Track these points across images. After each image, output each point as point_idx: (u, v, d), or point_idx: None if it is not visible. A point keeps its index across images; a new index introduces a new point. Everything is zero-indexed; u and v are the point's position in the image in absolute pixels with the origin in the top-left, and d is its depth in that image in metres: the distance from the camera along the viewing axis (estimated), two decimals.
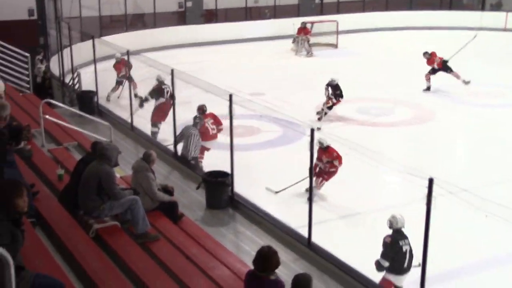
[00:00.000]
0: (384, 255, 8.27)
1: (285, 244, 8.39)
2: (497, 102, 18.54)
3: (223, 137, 12.35)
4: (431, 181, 6.53)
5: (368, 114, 17.30)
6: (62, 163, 9.38)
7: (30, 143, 10.05)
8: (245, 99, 11.67)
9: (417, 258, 8.32)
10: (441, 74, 19.80)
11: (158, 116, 14.19)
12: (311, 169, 8.61)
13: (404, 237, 8.32)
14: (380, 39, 28.32)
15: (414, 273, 6.88)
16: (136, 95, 15.85)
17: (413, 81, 20.26)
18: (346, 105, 17.37)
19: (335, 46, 26.96)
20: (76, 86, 16.50)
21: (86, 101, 14.52)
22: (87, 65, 17.69)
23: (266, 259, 5.64)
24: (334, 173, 11.74)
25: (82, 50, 17.66)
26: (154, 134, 13.93)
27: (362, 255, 9.43)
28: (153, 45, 24.34)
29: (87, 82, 16.44)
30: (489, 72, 21.98)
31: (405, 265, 8.27)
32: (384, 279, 8.39)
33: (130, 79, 15.39)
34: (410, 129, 16.28)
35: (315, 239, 8.31)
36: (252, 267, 5.81)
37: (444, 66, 19.66)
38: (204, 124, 12.28)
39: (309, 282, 5.42)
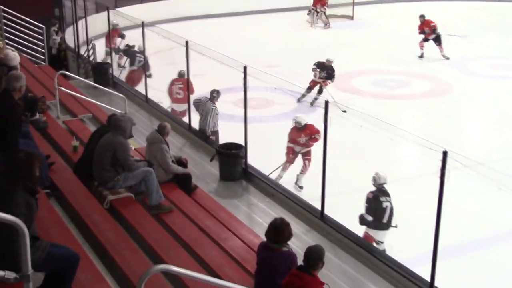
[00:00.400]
0: (367, 210, 8.78)
1: (297, 216, 8.41)
2: None
3: (237, 109, 12.36)
4: (445, 154, 6.49)
5: (384, 87, 17.20)
6: (77, 135, 9.43)
7: (45, 114, 10.09)
8: (259, 71, 11.61)
9: (396, 220, 8.96)
10: (462, 46, 19.71)
11: (127, 82, 15.40)
12: (325, 141, 8.54)
13: (386, 194, 8.86)
14: (397, 11, 27.98)
15: (427, 245, 6.88)
16: (119, 65, 16.88)
17: (430, 53, 20.07)
18: (362, 77, 17.28)
19: (351, 17, 26.67)
20: (91, 58, 16.51)
21: (101, 73, 14.54)
22: (102, 36, 17.69)
23: (278, 231, 5.66)
24: (310, 151, 11.57)
25: (97, 22, 17.62)
26: None
27: None
28: (169, 16, 24.23)
29: (102, 54, 16.45)
30: (508, 44, 21.69)
31: (385, 220, 8.80)
32: (365, 234, 8.86)
33: (118, 50, 15.53)
34: (427, 101, 16.17)
35: (327, 211, 8.32)
36: (264, 239, 5.84)
37: (436, 37, 20.05)
38: (171, 86, 13.52)
39: (322, 254, 5.43)
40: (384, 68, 18.95)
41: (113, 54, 17.11)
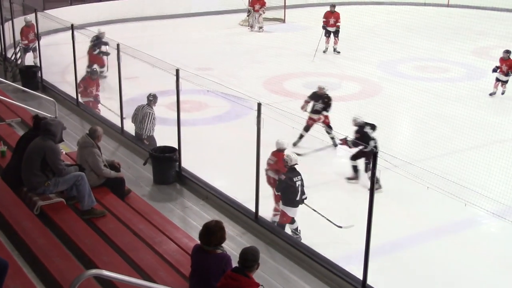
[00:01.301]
0: (277, 188, 9.47)
1: (232, 219, 8.44)
2: (441, 77, 18.92)
3: (170, 112, 12.29)
4: (375, 154, 6.65)
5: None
6: (5, 140, 9.20)
7: None
8: (192, 74, 11.59)
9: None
10: (390, 48, 20.23)
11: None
12: (258, 143, 8.60)
13: (297, 174, 9.40)
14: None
15: (358, 246, 7.03)
16: (35, 64, 16.29)
17: (361, 55, 20.48)
18: (293, 80, 17.44)
19: (282, 20, 26.94)
20: (19, 61, 16.10)
21: (30, 76, 14.20)
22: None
23: (211, 233, 5.65)
24: None
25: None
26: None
27: (308, 227, 9.62)
28: (99, 19, 23.87)
29: (30, 57, 16.05)
30: (434, 47, 22.36)
31: (298, 198, 9.36)
32: (283, 212, 9.44)
33: (34, 49, 15.33)
34: (357, 103, 16.45)
35: (262, 213, 8.39)
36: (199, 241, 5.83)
37: (336, 31, 21.49)
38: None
39: (257, 255, 5.46)
40: (315, 70, 19.21)
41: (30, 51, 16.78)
